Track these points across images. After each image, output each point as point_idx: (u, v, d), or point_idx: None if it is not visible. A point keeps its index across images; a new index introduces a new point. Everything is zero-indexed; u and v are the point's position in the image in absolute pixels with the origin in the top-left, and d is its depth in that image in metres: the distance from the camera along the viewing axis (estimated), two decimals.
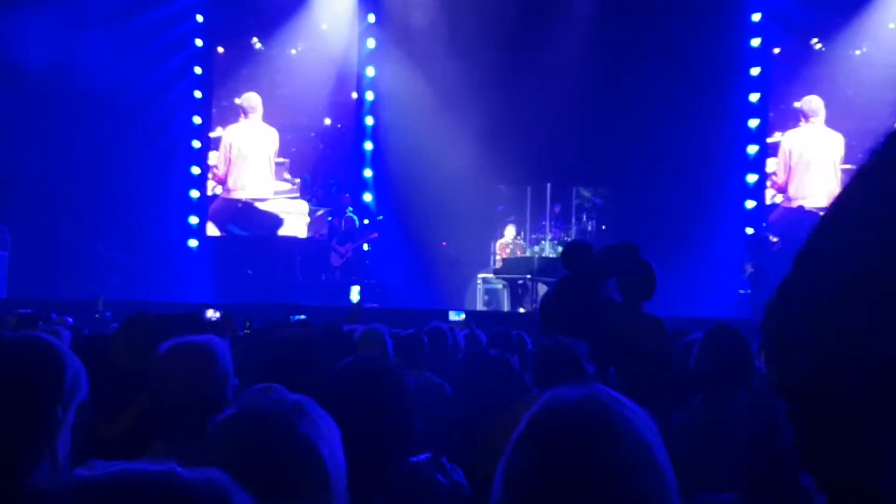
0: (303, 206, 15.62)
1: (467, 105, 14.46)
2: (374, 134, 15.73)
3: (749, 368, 3.06)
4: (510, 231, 14.75)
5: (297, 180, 15.66)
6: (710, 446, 1.86)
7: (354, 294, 11.41)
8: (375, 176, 15.73)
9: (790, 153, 14.94)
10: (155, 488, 0.86)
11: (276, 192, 15.60)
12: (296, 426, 1.38)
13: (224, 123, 15.67)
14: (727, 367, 3.03)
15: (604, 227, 14.83)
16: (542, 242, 14.82)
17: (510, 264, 13.68)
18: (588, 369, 3.55)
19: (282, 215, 15.56)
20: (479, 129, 14.52)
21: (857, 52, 14.62)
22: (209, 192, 15.64)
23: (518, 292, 13.46)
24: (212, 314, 5.43)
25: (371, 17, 15.67)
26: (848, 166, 14.60)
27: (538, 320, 5.61)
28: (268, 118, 15.59)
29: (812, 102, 14.80)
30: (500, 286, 14.40)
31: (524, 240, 14.86)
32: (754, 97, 15.09)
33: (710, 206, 14.48)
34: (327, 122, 15.68)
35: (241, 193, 15.64)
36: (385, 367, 2.22)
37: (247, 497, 0.92)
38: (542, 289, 13.53)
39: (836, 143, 14.70)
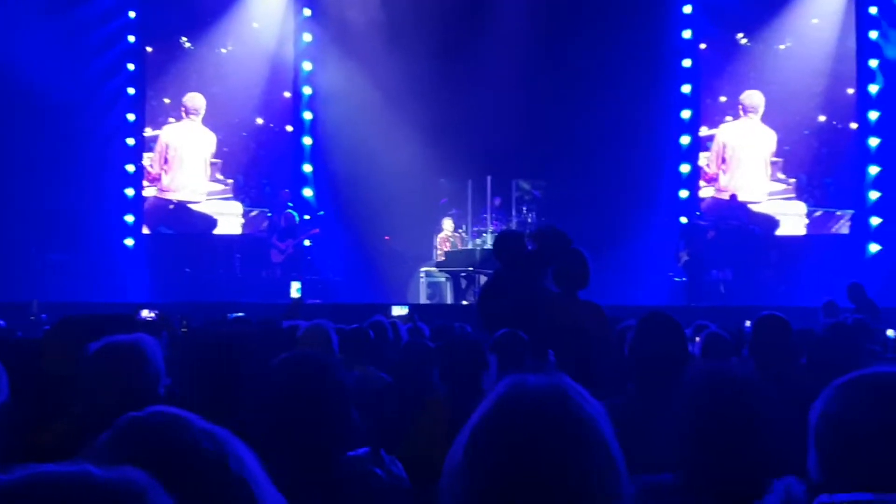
0: (236, 208, 15.40)
1: (407, 100, 14.37)
2: (313, 129, 15.58)
3: (683, 354, 3.10)
4: (448, 224, 14.78)
5: (231, 181, 15.41)
6: (645, 431, 1.88)
7: (294, 290, 11.31)
8: (315, 171, 15.59)
9: (724, 146, 15.12)
10: (69, 489, 0.85)
11: (210, 194, 15.35)
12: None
13: (154, 122, 15.37)
14: (661, 353, 3.06)
15: (543, 218, 14.81)
16: (484, 235, 14.86)
17: (452, 257, 13.71)
18: (490, 362, 3.59)
19: (215, 216, 15.32)
20: (420, 124, 14.46)
21: (782, 47, 14.89)
22: (144, 193, 15.35)
23: (461, 285, 13.48)
24: (147, 314, 5.33)
25: (307, 11, 15.53)
26: (776, 159, 14.93)
27: (483, 313, 5.65)
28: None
29: (754, 97, 14.98)
30: (442, 279, 14.43)
31: (466, 232, 14.89)
32: (686, 88, 15.30)
33: (644, 196, 14.65)
34: (259, 121, 15.47)
35: (175, 195, 15.12)
36: (320, 361, 2.19)
37: (164, 495, 0.90)
38: (484, 281, 13.56)
39: (769, 139, 14.95)
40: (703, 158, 15.27)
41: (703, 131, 15.34)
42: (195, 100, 15.13)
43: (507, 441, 1.18)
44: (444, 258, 13.94)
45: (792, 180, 15.00)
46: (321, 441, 2.11)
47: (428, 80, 14.42)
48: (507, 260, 5.52)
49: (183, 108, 15.31)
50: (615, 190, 14.50)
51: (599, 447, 1.22)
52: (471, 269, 13.17)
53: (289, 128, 15.59)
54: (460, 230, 14.83)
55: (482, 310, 5.55)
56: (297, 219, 14.78)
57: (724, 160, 15.16)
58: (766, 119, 15.05)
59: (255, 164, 15.50)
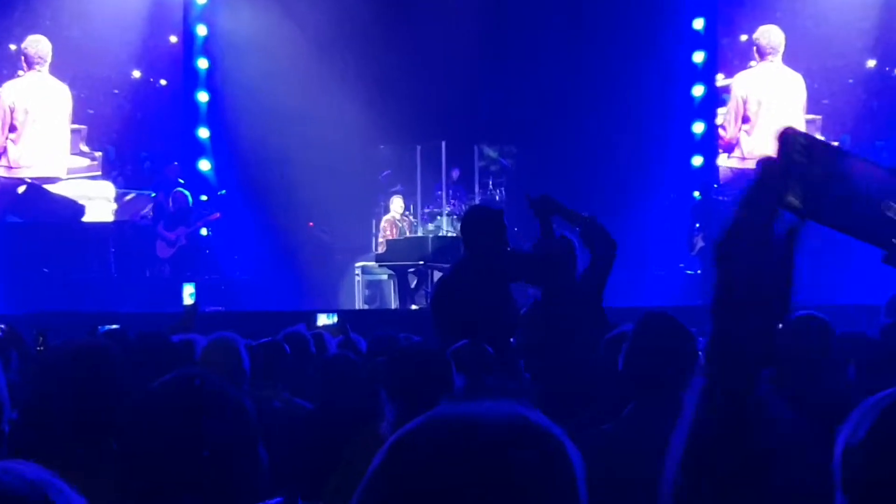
0: (107, 189, 15.06)
1: (338, 45, 14.37)
2: (211, 83, 15.54)
3: (690, 366, 3.13)
4: (397, 204, 14.80)
5: (99, 154, 15.04)
6: (643, 462, 1.90)
7: (188, 295, 11.24)
8: (214, 138, 15.57)
9: (744, 101, 15.11)
10: None
11: (71, 171, 14.84)
12: None
13: None
14: (662, 366, 3.10)
15: (514, 194, 14.94)
16: (438, 218, 14.92)
17: (397, 248, 13.75)
18: (456, 381, 3.63)
19: (81, 201, 14.89)
20: (355, 76, 14.45)
21: None
22: None
23: (408, 284, 13.58)
24: None
25: None
26: (812, 116, 14.88)
27: (440, 319, 5.68)
28: (53, 70, 14.69)
29: (771, 35, 14.85)
30: (384, 277, 14.51)
31: (415, 215, 14.93)
32: (698, 24, 15.35)
33: (646, 165, 14.79)
34: (136, 74, 15.27)
35: (25, 172, 14.66)
36: (215, 384, 2.18)
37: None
38: (439, 277, 13.72)
39: (797, 87, 14.87)
40: (721, 117, 15.40)
41: (721, 80, 15.42)
42: (39, 44, 14.41)
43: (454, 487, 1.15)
44: (386, 249, 13.97)
45: (835, 144, 15.09)
46: (219, 490, 2.10)
47: (367, 24, 14.38)
48: (478, 247, 5.58)
49: (23, 57, 14.46)
50: (607, 157, 14.65)
51: (567, 487, 1.21)
52: (421, 262, 13.23)
53: (165, 81, 15.53)
54: (408, 213, 14.87)
55: (437, 316, 5.59)
56: (189, 200, 14.75)
57: (745, 118, 15.19)
58: (797, 64, 14.96)
59: (132, 131, 15.27)
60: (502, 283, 5.58)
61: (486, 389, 3.93)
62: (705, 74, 15.44)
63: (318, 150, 14.69)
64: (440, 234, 14.24)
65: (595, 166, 14.60)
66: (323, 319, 8.96)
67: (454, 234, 14.31)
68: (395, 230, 14.68)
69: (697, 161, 15.39)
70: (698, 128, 15.43)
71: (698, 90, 15.44)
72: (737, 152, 15.28)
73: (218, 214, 14.80)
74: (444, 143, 14.80)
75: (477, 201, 14.80)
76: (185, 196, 14.73)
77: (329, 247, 15.61)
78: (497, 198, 15.06)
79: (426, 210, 15.19)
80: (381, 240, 14.71)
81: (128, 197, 15.30)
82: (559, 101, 14.83)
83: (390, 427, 3.62)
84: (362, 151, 15.23)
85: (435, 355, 3.73)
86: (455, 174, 15.46)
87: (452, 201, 15.07)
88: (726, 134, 15.33)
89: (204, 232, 14.95)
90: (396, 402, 3.61)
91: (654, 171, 14.87)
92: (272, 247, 15.12)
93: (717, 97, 15.47)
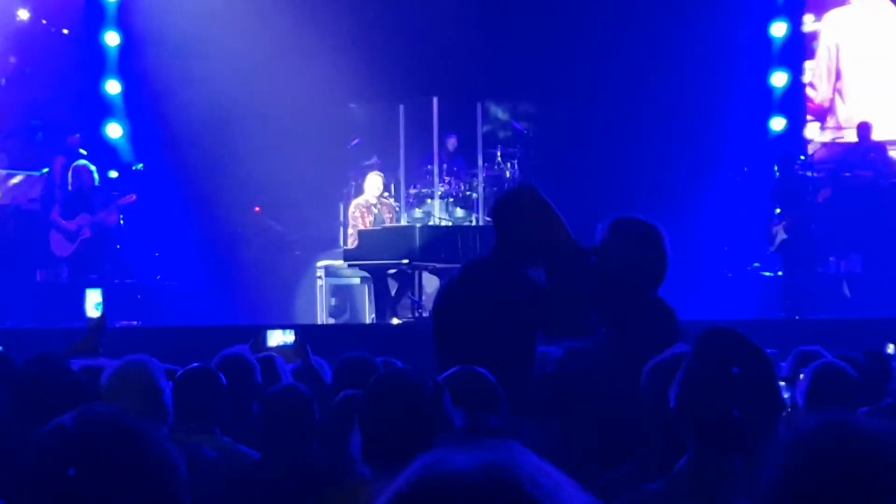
0: None
1: None
2: (124, 20, 15.60)
3: (767, 403, 3.15)
4: (373, 183, 14.68)
5: None
6: None
7: (92, 305, 11.18)
8: (128, 94, 15.62)
9: (836, 49, 15.26)
10: None
11: None
12: None
13: None
14: (730, 403, 3.12)
15: (531, 170, 14.95)
16: (428, 202, 14.97)
17: (373, 241, 13.75)
18: (454, 419, 3.67)
19: None
20: (317, 14, 14.55)
21: None
22: None
23: (388, 290, 13.59)
24: None
25: None
26: None
27: (423, 338, 5.69)
28: None
29: None
30: (355, 280, 14.58)
31: (397, 198, 14.93)
32: None
33: (707, 130, 14.86)
34: (23, 16, 15.27)
35: None
36: (126, 429, 2.19)
37: None
38: (430, 282, 13.72)
39: None
40: (809, 73, 15.49)
41: (809, 24, 15.47)
42: None
43: None
44: (358, 243, 13.95)
45: None
46: None
47: None
48: (518, 242, 5.58)
49: None
50: (656, 120, 14.71)
51: None
52: (406, 261, 13.27)
53: (64, 27, 15.44)
54: (387, 195, 14.82)
55: (443, 331, 5.60)
56: (95, 179, 14.74)
57: (838, 74, 15.29)
58: None
59: (17, 92, 15.26)
60: (541, 298, 5.57)
61: (489, 431, 3.94)
62: (790, 9, 15.48)
63: (269, 112, 14.81)
64: (431, 223, 14.24)
65: (639, 132, 14.72)
66: (274, 338, 8.93)
67: (449, 223, 14.46)
68: (369, 218, 14.59)
69: (778, 125, 15.42)
70: (779, 79, 15.40)
71: (779, 29, 15.38)
72: (830, 121, 15.38)
73: (133, 197, 14.75)
74: (435, 101, 14.74)
75: (480, 181, 14.84)
76: (90, 172, 14.67)
77: (282, 240, 15.61)
78: (508, 174, 15.06)
79: (412, 190, 15.17)
80: (351, 231, 14.56)
81: (13, 180, 15.36)
82: (592, 43, 14.91)
83: (363, 486, 3.61)
84: (326, 113, 15.24)
85: (425, 387, 3.72)
86: (451, 142, 15.43)
87: (447, 179, 15.03)
88: (816, 95, 15.45)
89: (116, 220, 14.89)
90: (372, 450, 3.61)
91: (717, 137, 14.96)
92: (205, 241, 15.17)
93: (803, 45, 15.53)
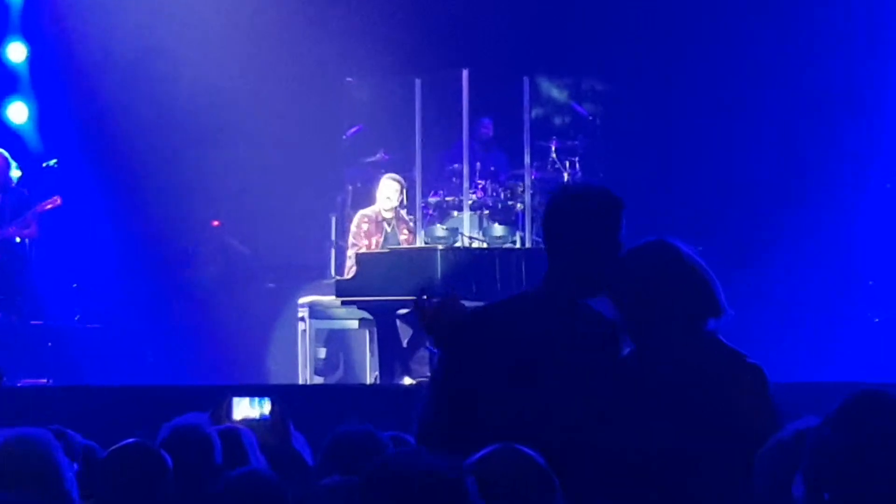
0: None
1: None
2: None
3: None
4: (388, 190, 14.60)
5: None
6: None
7: None
8: (35, 61, 15.75)
9: None
10: None
11: None
12: None
13: None
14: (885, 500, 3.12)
15: (599, 171, 15.11)
16: (454, 215, 15.05)
17: (378, 268, 13.83)
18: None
19: None
20: None
21: None
22: None
23: (398, 337, 13.70)
24: None
25: None
26: None
27: (450, 404, 5.65)
28: None
29: None
30: (352, 323, 14.58)
31: (410, 209, 14.96)
32: None
33: (847, 126, 14.91)
34: None
35: None
36: None
37: None
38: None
39: None
40: None
41: None
42: None
43: None
44: (358, 270, 14.04)
45: None
46: None
47: None
48: (576, 269, 5.53)
49: None
50: (773, 108, 14.87)
51: None
52: (424, 296, 13.10)
53: None
54: (399, 205, 14.76)
55: (470, 394, 5.58)
56: (13, 176, 14.74)
57: None
58: None
59: None
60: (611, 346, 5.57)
61: None
62: None
63: (233, 89, 14.98)
64: (458, 245, 14.27)
65: (749, 122, 14.88)
66: (243, 406, 8.94)
67: (483, 244, 14.47)
68: (378, 237, 14.67)
69: None
70: None
71: None
72: None
73: (58, 200, 14.68)
74: (465, 74, 14.66)
75: (527, 186, 14.82)
76: (5, 161, 14.74)
77: (249, 266, 15.79)
78: (566, 176, 15.12)
79: (432, 199, 15.19)
80: (349, 253, 14.63)
81: None
82: (680, 16, 15.17)
83: None
84: (313, 90, 15.43)
85: (446, 473, 3.72)
86: (485, 132, 15.58)
87: (481, 182, 15.04)
88: None
89: (31, 235, 14.83)
90: None
91: (862, 137, 15.06)
92: (143, 267, 15.36)
93: None
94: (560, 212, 5.61)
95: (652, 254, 5.51)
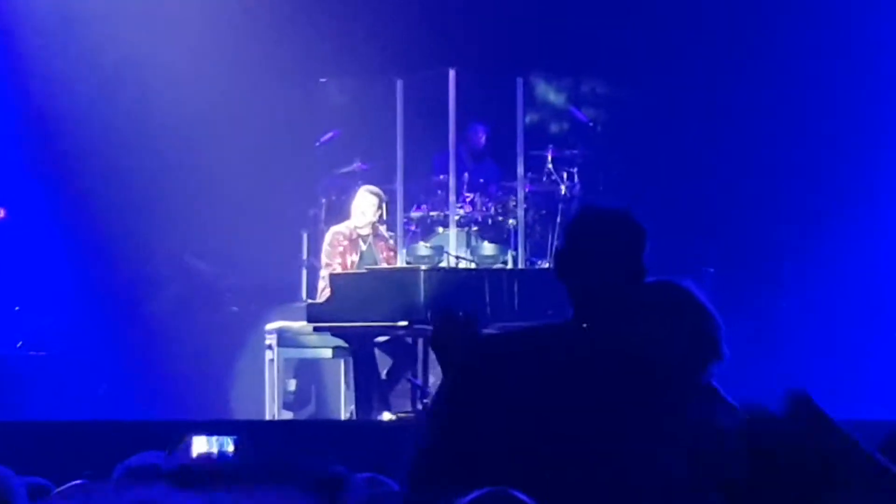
0: None
1: None
2: None
3: None
4: (365, 204, 14.59)
5: None
6: None
7: None
8: None
9: None
10: None
11: None
12: None
13: None
14: None
15: (601, 185, 15.24)
16: (440, 231, 15.13)
17: (355, 291, 13.80)
18: None
19: None
20: None
21: None
22: None
23: (375, 368, 13.71)
24: None
25: None
26: None
27: (449, 436, 5.59)
28: None
29: None
30: (325, 352, 14.59)
31: (390, 224, 14.94)
32: None
33: (865, 151, 14.99)
34: None
35: None
36: None
37: None
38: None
39: None
40: None
41: None
42: None
43: None
44: (333, 294, 14.00)
45: None
46: None
47: None
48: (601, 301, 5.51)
49: None
50: (800, 110, 14.87)
51: None
52: (404, 323, 13.31)
53: None
54: (378, 220, 14.73)
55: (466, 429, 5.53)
56: None
57: None
58: None
59: None
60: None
61: None
62: None
63: (194, 91, 15.01)
64: (443, 265, 14.26)
65: (772, 132, 14.92)
66: (200, 444, 8.93)
67: (472, 264, 14.44)
68: (353, 256, 14.65)
69: None
70: None
71: None
72: None
73: (2, 213, 14.90)
74: (452, 74, 14.67)
75: (520, 196, 14.80)
76: None
77: (210, 287, 15.82)
78: (563, 189, 15.13)
79: (415, 213, 15.25)
80: (323, 273, 14.65)
81: None
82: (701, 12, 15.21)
83: None
84: (281, 92, 15.54)
85: None
86: (478, 139, 15.66)
87: (469, 196, 15.10)
88: None
89: None
90: None
91: (885, 143, 15.13)
92: (92, 287, 15.35)
93: None
94: (583, 237, 5.74)
95: (660, 294, 5.62)
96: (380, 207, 14.64)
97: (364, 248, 14.58)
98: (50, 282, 15.33)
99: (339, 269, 14.29)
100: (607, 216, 5.77)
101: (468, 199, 15.10)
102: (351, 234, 14.57)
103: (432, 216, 15.23)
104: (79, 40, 15.17)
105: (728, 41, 15.19)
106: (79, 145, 15.38)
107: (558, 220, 14.81)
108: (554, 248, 5.84)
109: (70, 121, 15.37)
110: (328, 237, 14.68)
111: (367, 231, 14.58)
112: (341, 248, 14.49)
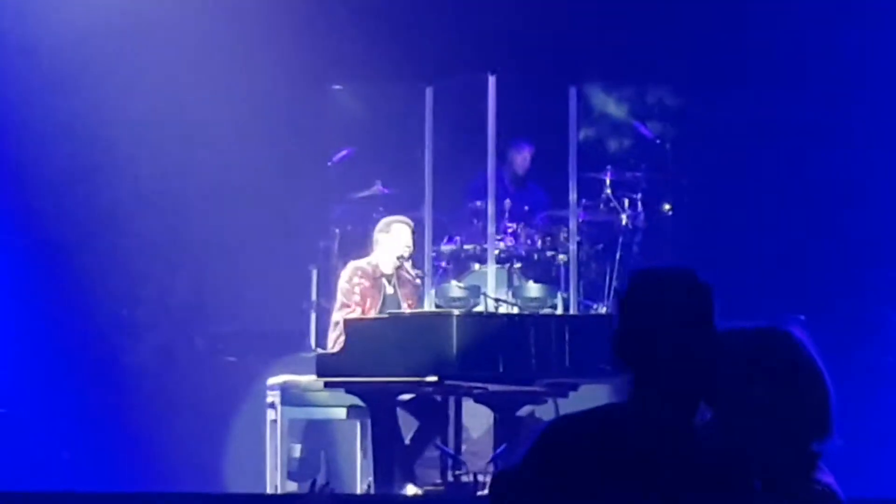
0: None
1: None
2: None
3: None
4: (405, 236, 14.08)
5: None
6: None
7: None
8: None
9: None
10: None
11: None
12: None
13: None
14: None
15: (669, 210, 14.84)
16: (476, 268, 14.86)
17: (373, 339, 13.32)
18: None
19: None
20: None
21: None
22: None
23: (397, 433, 13.28)
24: None
25: None
26: None
27: None
28: None
29: None
30: (339, 412, 14.21)
31: (417, 260, 14.48)
32: None
33: None
34: None
35: None
36: None
37: None
38: (476, 420, 13.83)
39: None
40: None
41: None
42: None
43: None
44: (346, 343, 13.43)
45: None
46: None
47: None
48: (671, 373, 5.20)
49: None
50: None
51: None
52: (433, 378, 12.75)
53: None
54: (405, 257, 14.08)
55: None
56: None
57: None
58: None
59: None
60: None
61: None
62: None
63: (188, 102, 14.63)
64: (479, 309, 13.70)
65: (872, 150, 14.41)
66: None
67: (515, 308, 14.03)
68: (374, 298, 14.11)
69: None
70: None
71: None
72: None
73: None
74: (491, 81, 14.29)
75: (572, 226, 14.24)
76: None
77: (202, 335, 15.46)
78: (625, 219, 14.74)
79: (446, 247, 14.95)
80: (336, 318, 14.19)
81: None
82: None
83: None
84: (287, 101, 15.22)
85: None
86: (522, 158, 15.25)
87: (511, 226, 14.73)
88: None
89: None
90: None
91: None
92: (63, 332, 14.85)
93: None
94: (642, 313, 5.43)
95: (763, 346, 5.51)
96: (410, 242, 14.20)
97: (389, 289, 14.14)
98: (8, 327, 15.05)
99: (357, 314, 13.80)
100: (667, 282, 5.49)
101: (510, 231, 14.83)
102: (374, 272, 14.12)
103: (466, 250, 14.98)
104: (72, 57, 14.91)
105: (817, 42, 14.95)
106: (48, 167, 15.17)
107: (618, 256, 14.59)
108: (612, 332, 5.14)
109: (44, 148, 15.17)
110: (346, 273, 14.23)
111: (391, 270, 14.11)
112: (359, 287, 14.00)
